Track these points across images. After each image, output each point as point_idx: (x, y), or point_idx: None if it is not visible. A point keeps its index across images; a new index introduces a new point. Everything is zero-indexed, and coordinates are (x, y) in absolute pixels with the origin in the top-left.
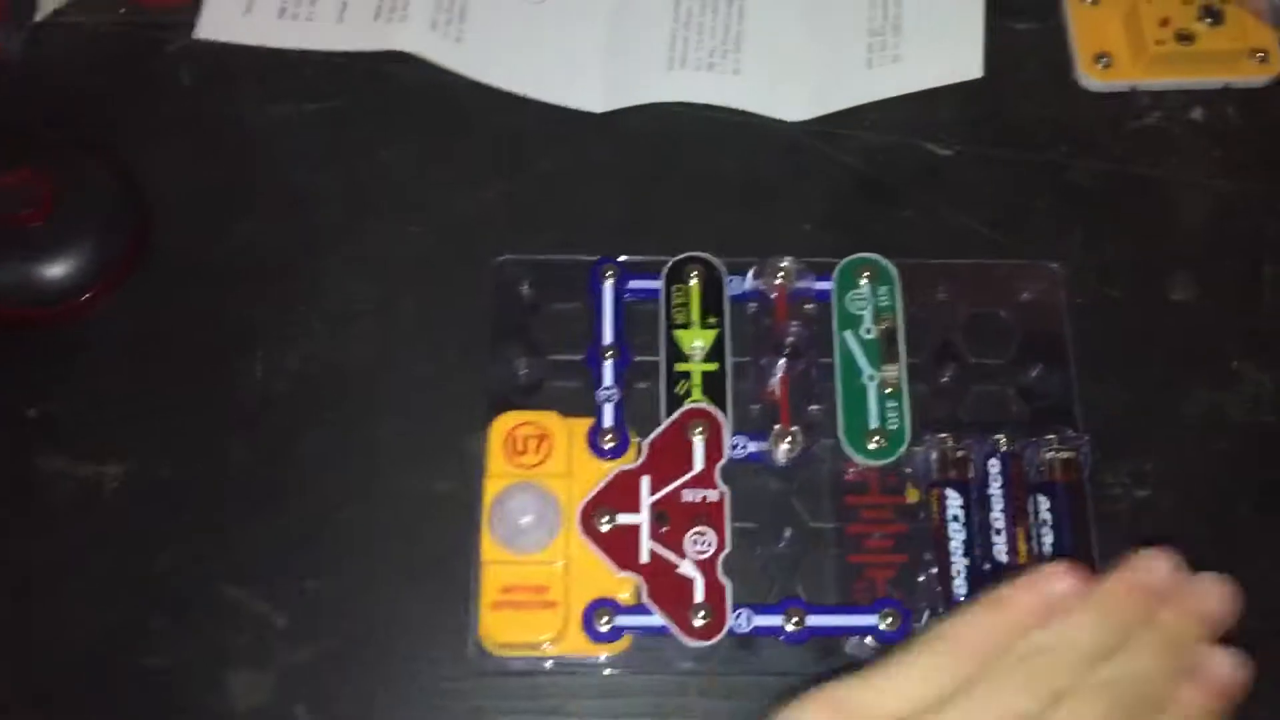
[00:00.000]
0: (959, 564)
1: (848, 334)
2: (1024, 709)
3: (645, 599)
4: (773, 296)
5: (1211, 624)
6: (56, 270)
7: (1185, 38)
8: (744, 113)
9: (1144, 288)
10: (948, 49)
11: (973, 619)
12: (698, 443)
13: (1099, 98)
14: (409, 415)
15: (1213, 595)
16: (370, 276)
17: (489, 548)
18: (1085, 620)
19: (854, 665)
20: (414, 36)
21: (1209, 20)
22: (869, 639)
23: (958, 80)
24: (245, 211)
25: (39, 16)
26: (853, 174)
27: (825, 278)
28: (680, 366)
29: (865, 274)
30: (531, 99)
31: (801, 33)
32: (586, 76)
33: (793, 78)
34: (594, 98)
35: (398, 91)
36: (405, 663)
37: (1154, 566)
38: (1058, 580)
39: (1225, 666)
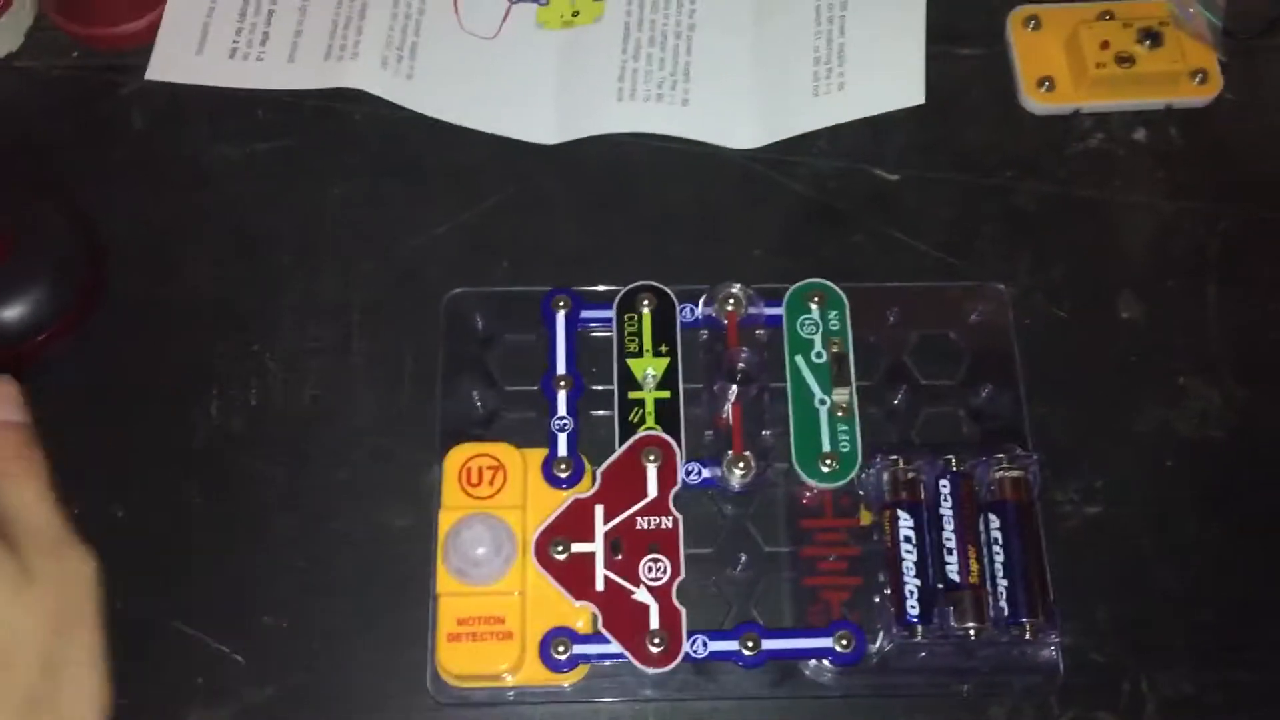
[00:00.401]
0: (912, 584)
1: (799, 359)
2: None
3: (601, 627)
4: (724, 323)
5: None
6: (11, 313)
7: (1125, 60)
8: (693, 142)
9: (1091, 307)
10: (891, 76)
11: None
12: (651, 470)
13: (1043, 121)
14: (365, 451)
15: None
16: (324, 314)
17: (444, 580)
18: None
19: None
20: (365, 74)
21: (1148, 43)
22: (826, 661)
23: (901, 106)
24: (199, 252)
25: None
26: (802, 200)
27: (776, 303)
28: (633, 395)
29: (815, 299)
30: (482, 133)
31: (748, 63)
32: (537, 109)
33: (740, 107)
34: (545, 130)
35: (349, 129)
36: (366, 697)
37: None
38: None
39: None
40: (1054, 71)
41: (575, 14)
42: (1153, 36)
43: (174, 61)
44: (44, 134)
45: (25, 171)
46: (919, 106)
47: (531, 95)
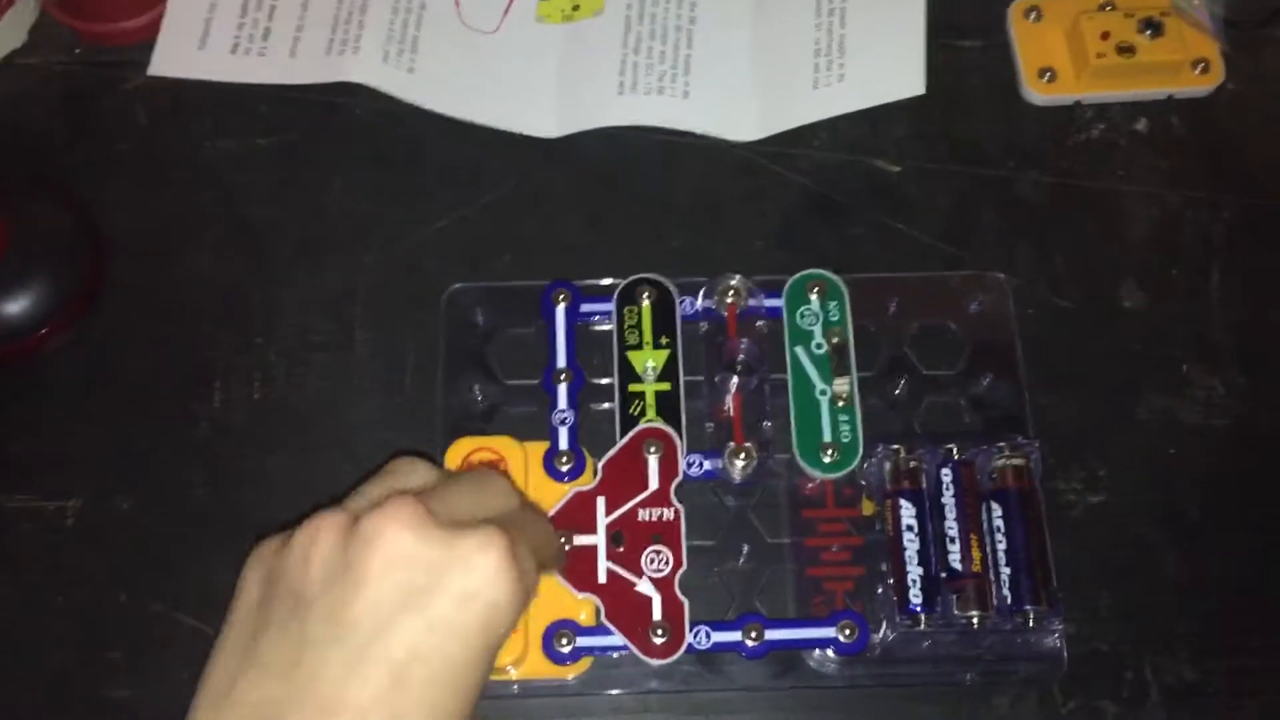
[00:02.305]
0: (914, 573)
1: (799, 349)
2: None
3: (604, 619)
4: (724, 315)
5: None
6: (13, 307)
7: (1126, 50)
8: (694, 134)
9: (1094, 296)
10: (891, 67)
11: None
12: (653, 462)
13: (1044, 111)
14: (367, 444)
15: None
16: (325, 307)
17: None
18: None
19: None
20: (366, 68)
21: (1149, 33)
22: (829, 651)
23: (901, 97)
24: (201, 246)
25: None
26: (803, 192)
27: (775, 294)
28: (634, 387)
29: (815, 290)
30: (484, 126)
31: (749, 55)
32: (538, 103)
33: (741, 99)
34: (546, 124)
35: (350, 123)
36: None
37: None
38: None
39: None
40: (1055, 62)
41: (576, 8)
42: (1154, 26)
43: (176, 57)
44: (47, 130)
45: (28, 167)
46: (920, 98)
47: (532, 88)
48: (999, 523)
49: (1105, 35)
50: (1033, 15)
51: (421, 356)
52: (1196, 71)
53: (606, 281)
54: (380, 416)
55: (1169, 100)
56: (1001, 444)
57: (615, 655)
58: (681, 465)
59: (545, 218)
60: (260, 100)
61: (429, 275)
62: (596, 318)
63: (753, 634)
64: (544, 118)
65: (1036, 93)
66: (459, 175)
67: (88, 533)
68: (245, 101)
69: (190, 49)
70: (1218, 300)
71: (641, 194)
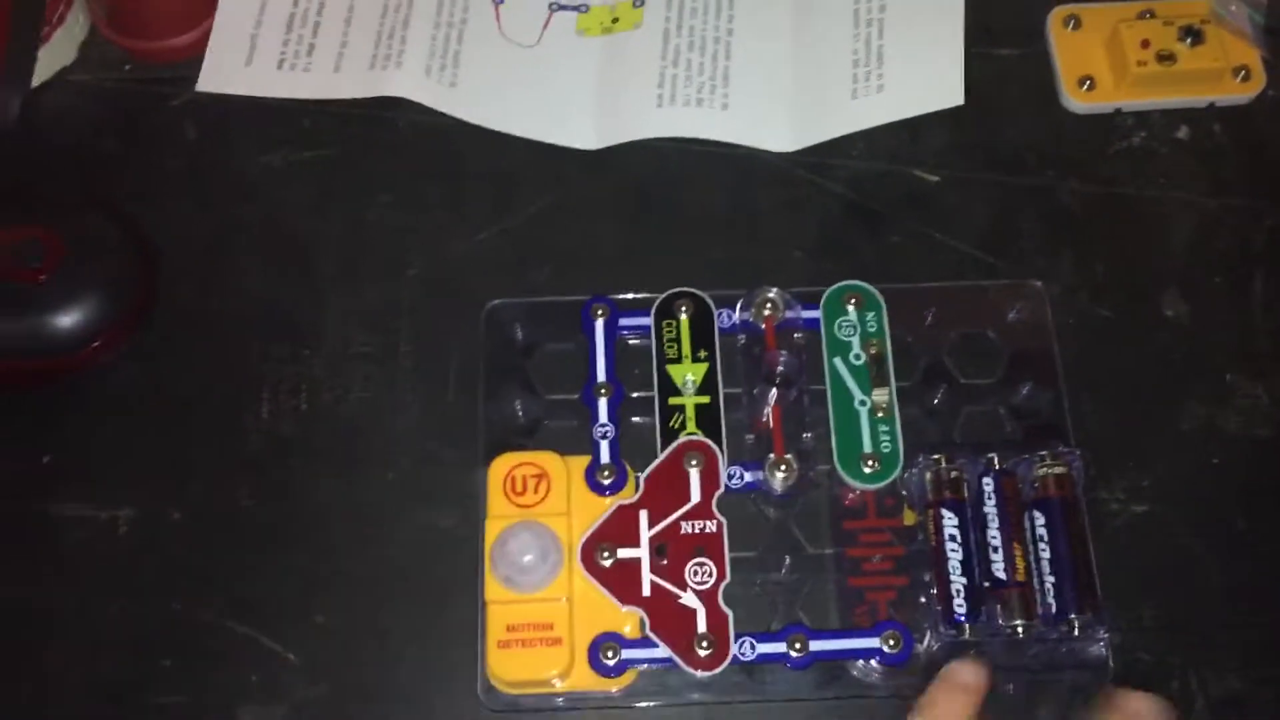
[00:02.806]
0: (958, 583)
1: (837, 361)
2: None
3: (649, 632)
4: (761, 328)
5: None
6: (66, 322)
7: (1167, 58)
8: (733, 145)
9: (1135, 305)
10: (929, 77)
11: None
12: (694, 475)
13: (1084, 120)
14: (412, 456)
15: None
16: (369, 320)
17: (492, 587)
18: None
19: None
20: (409, 83)
21: (1189, 40)
22: (874, 661)
23: (940, 108)
24: (248, 259)
25: (46, 75)
26: (842, 202)
27: (813, 306)
28: (673, 400)
29: (852, 301)
30: (524, 139)
31: (787, 66)
32: (578, 116)
33: (779, 110)
34: (586, 136)
35: (393, 137)
36: (415, 700)
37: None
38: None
39: None
40: (1095, 70)
41: (615, 20)
42: (1194, 34)
43: (223, 73)
44: (97, 146)
45: (79, 182)
46: (958, 107)
47: (572, 101)
48: (1042, 532)
49: (1145, 43)
50: (1071, 23)
51: (464, 369)
52: (1238, 79)
53: (643, 295)
54: (424, 428)
55: (1210, 108)
56: (1043, 453)
57: (660, 668)
58: (723, 477)
59: (585, 230)
60: (304, 115)
61: (471, 287)
62: (635, 332)
63: (797, 645)
64: (583, 130)
65: (1076, 101)
66: (500, 188)
67: (140, 542)
68: (290, 116)
69: (237, 65)
70: (1260, 308)
71: (680, 205)
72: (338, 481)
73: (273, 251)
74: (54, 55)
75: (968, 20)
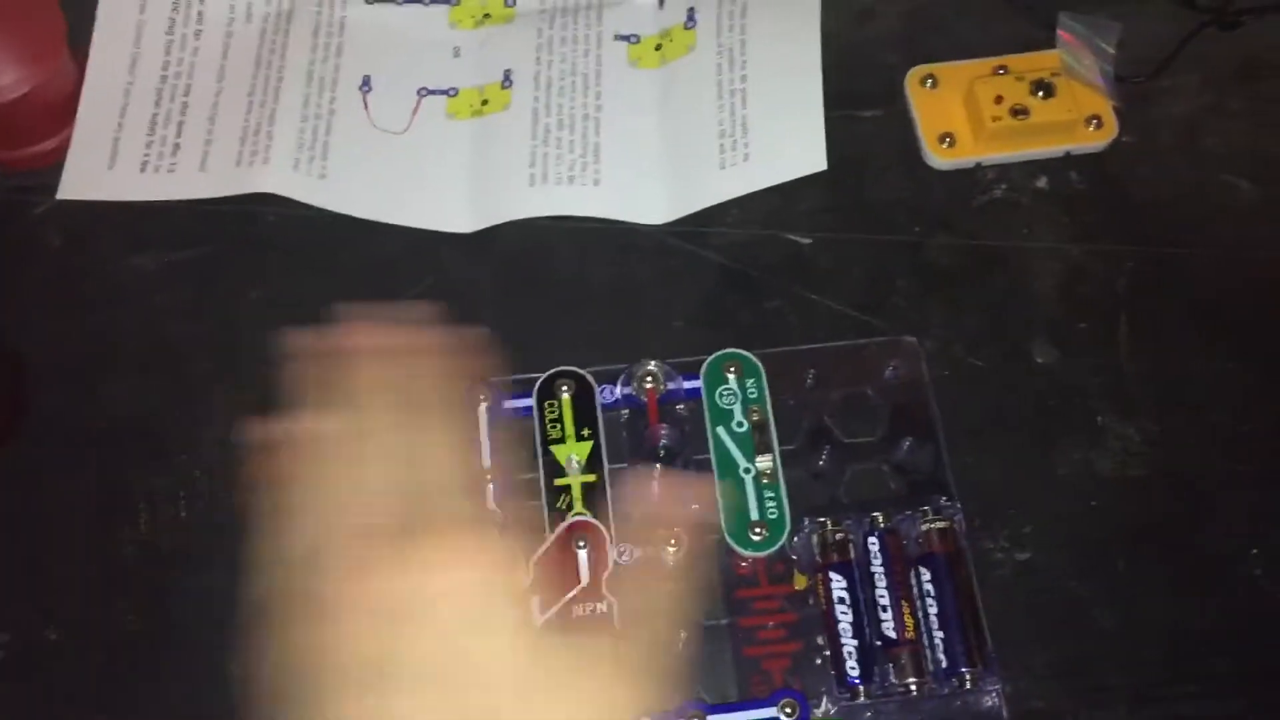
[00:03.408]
0: (849, 645)
1: (721, 430)
2: None
3: None
4: (644, 401)
5: None
6: None
7: (1021, 112)
8: (609, 220)
9: (1007, 355)
10: (793, 145)
11: None
12: (583, 556)
13: (947, 176)
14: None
15: None
16: (249, 419)
17: None
18: None
19: None
20: (277, 178)
21: (1041, 94)
22: None
23: (805, 173)
24: (121, 368)
25: None
26: (718, 270)
27: (694, 376)
28: (559, 481)
29: (731, 369)
30: (399, 226)
31: (656, 140)
32: (452, 199)
33: (651, 183)
34: (461, 219)
35: (265, 232)
36: None
37: None
38: None
39: None
40: (954, 127)
41: (485, 103)
42: (1045, 88)
43: (86, 179)
44: None
45: None
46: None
47: (446, 185)
48: (929, 587)
49: (999, 99)
50: (929, 82)
51: None
52: (1091, 128)
53: (523, 376)
54: None
55: (1067, 157)
56: (925, 508)
57: None
58: (612, 556)
59: (465, 313)
60: (173, 215)
61: None
62: (518, 414)
63: None
64: (458, 214)
65: (938, 158)
66: (377, 276)
67: (18, 667)
68: (159, 217)
69: (99, 170)
70: (1127, 351)
71: (559, 282)
72: (223, 591)
73: (146, 356)
74: None
75: (828, 85)
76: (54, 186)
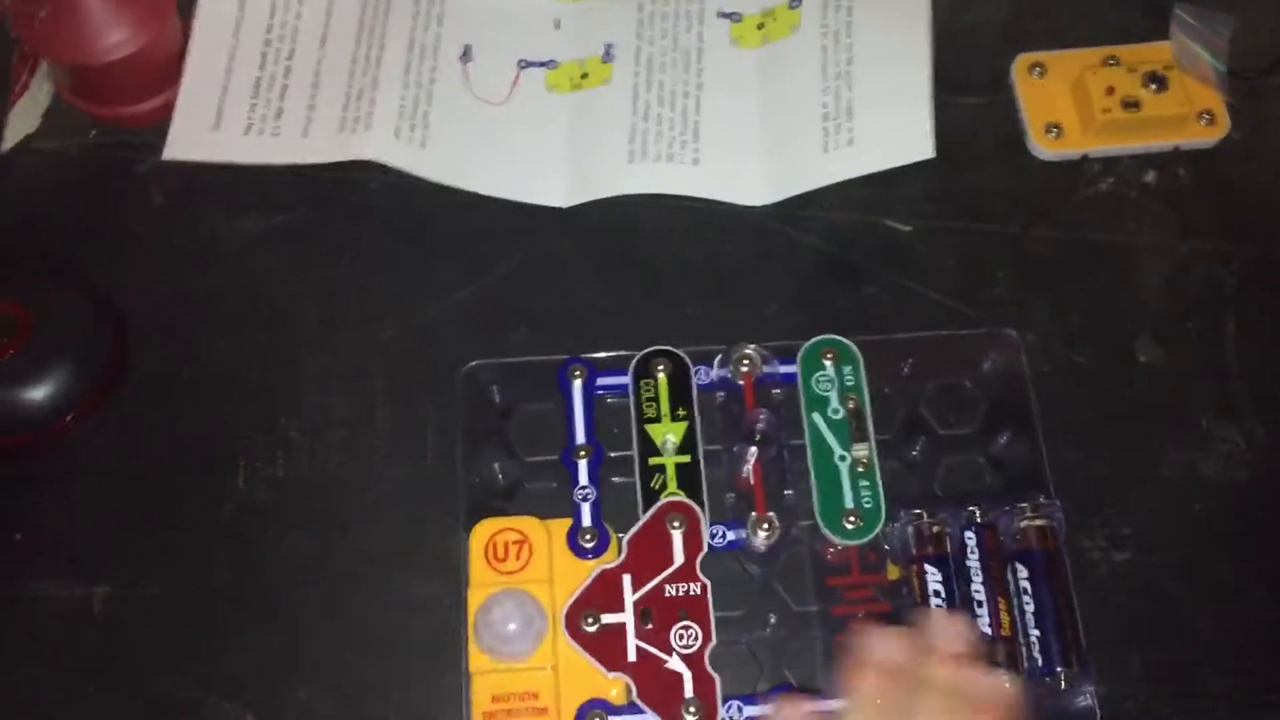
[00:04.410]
0: None
1: (816, 415)
2: None
3: (636, 698)
4: (740, 384)
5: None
6: (37, 396)
7: (1131, 105)
8: (706, 200)
9: (1109, 351)
10: (900, 132)
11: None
12: (676, 536)
13: (1052, 167)
14: (391, 522)
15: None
16: (345, 384)
17: (476, 657)
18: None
19: None
20: (379, 145)
21: (1154, 86)
22: None
23: (911, 161)
24: (220, 325)
25: (11, 144)
26: (816, 254)
27: (790, 361)
28: (654, 460)
29: (829, 355)
30: (495, 198)
31: (757, 120)
32: (549, 173)
33: (750, 164)
34: (557, 194)
35: (364, 198)
36: None
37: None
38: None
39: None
40: (1061, 117)
41: (584, 76)
42: (1158, 80)
43: (190, 139)
44: (63, 214)
45: (46, 253)
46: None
47: (543, 159)
48: (1025, 585)
49: (1110, 90)
50: (1037, 71)
51: (442, 431)
52: (1202, 123)
53: (620, 353)
54: (402, 493)
55: (1176, 152)
56: (1024, 505)
57: None
58: (705, 538)
59: (559, 289)
60: (274, 179)
61: (446, 348)
62: (613, 391)
63: None
64: (555, 188)
65: (1044, 148)
66: (473, 248)
67: (115, 619)
68: (259, 181)
69: (204, 131)
70: (1233, 352)
71: (654, 262)
72: (317, 550)
73: (244, 317)
74: (18, 123)
75: (934, 69)
76: (157, 145)
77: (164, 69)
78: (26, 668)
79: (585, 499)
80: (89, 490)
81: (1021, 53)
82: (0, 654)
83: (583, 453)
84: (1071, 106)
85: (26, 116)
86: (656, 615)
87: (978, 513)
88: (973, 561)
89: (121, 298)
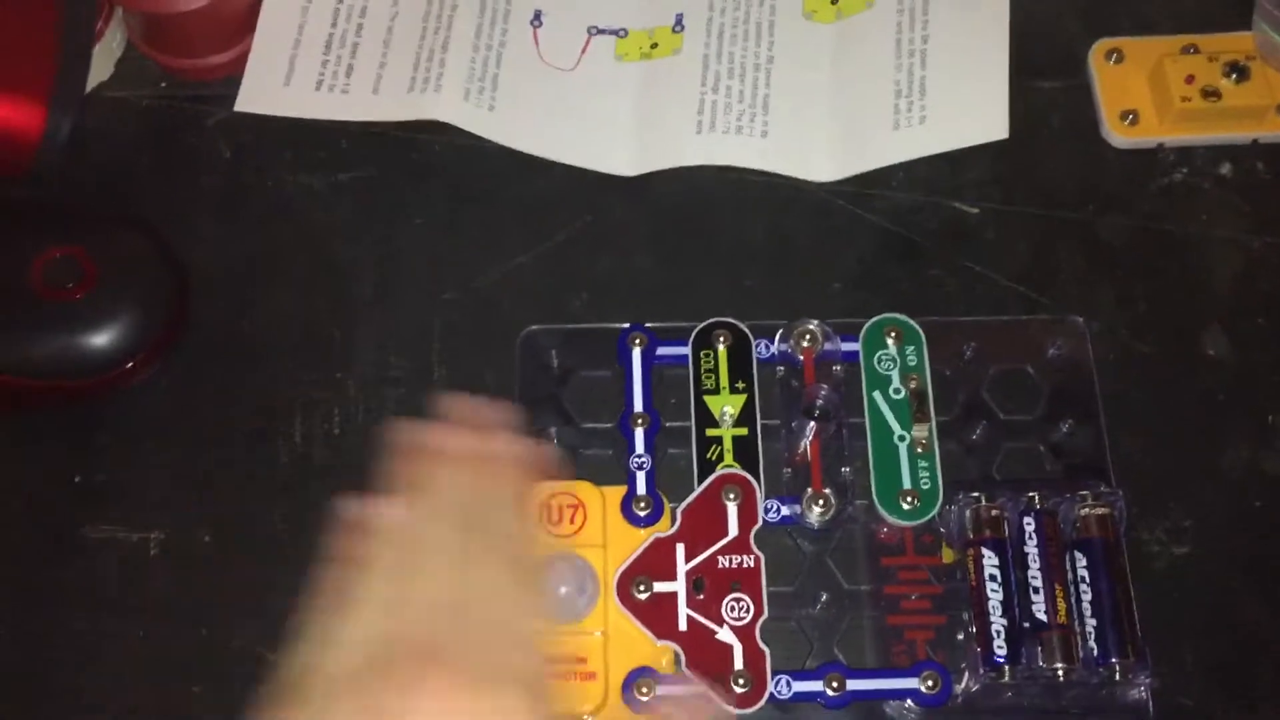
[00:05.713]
0: (998, 624)
1: (877, 394)
2: None
3: (684, 668)
4: (800, 360)
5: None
6: (99, 341)
7: (1211, 94)
8: (772, 174)
9: (1176, 343)
10: (973, 110)
11: None
12: (731, 508)
13: (1126, 155)
14: None
15: None
16: (404, 344)
17: None
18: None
19: None
20: (448, 106)
21: (1235, 76)
22: (910, 702)
23: (984, 141)
24: (282, 281)
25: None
26: (881, 233)
27: (852, 339)
28: (711, 432)
29: (892, 334)
30: (561, 164)
31: (827, 95)
32: (616, 141)
33: (819, 139)
34: (623, 162)
35: (430, 160)
36: None
37: None
38: None
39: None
40: (1137, 105)
41: (654, 46)
42: (1239, 70)
43: (262, 93)
44: (131, 163)
45: (113, 200)
46: (998, 139)
47: (610, 127)
48: (1084, 573)
49: (1190, 79)
50: (1114, 57)
51: (499, 391)
52: None
53: (681, 324)
54: None
55: (1254, 144)
56: (1084, 493)
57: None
58: (760, 511)
59: (620, 257)
60: (342, 136)
61: (505, 313)
62: (672, 362)
63: (834, 684)
64: (621, 156)
65: (1118, 135)
66: (536, 213)
67: (170, 564)
68: (327, 137)
69: (275, 85)
70: None
71: (717, 234)
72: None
73: (306, 273)
74: (90, 71)
75: (1010, 51)
76: (227, 98)
77: (237, 23)
78: (79, 608)
79: (640, 467)
80: (147, 437)
81: (1100, 38)
82: (56, 595)
83: (640, 421)
84: (1148, 94)
85: (99, 64)
86: (709, 586)
87: (1037, 499)
88: (1031, 548)
89: (185, 248)
